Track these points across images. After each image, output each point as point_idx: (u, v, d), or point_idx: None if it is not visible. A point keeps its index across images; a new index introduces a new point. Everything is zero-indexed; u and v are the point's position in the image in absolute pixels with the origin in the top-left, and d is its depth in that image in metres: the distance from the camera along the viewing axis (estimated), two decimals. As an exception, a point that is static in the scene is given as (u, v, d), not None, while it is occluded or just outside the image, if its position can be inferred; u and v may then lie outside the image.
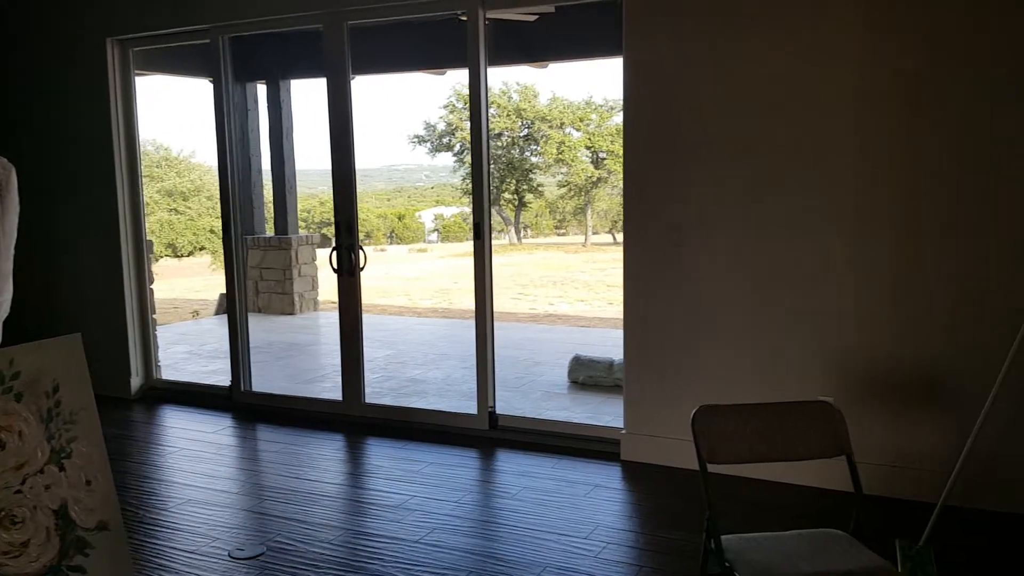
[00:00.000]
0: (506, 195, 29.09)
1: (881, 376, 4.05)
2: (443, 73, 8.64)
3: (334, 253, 5.39)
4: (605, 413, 5.60)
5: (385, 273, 18.74)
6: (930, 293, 3.92)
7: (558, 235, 32.34)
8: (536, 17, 6.81)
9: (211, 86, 5.80)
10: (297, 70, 9.88)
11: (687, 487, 4.22)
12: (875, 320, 4.03)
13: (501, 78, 27.92)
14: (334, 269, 5.41)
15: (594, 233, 29.38)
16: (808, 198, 4.10)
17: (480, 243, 4.94)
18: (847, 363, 4.11)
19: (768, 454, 2.73)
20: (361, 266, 5.39)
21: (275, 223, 10.39)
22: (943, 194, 3.85)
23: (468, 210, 29.75)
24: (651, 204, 4.45)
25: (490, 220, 5.02)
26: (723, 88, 4.22)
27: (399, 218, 33.90)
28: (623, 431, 4.68)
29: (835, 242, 4.07)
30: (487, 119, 4.89)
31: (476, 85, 4.83)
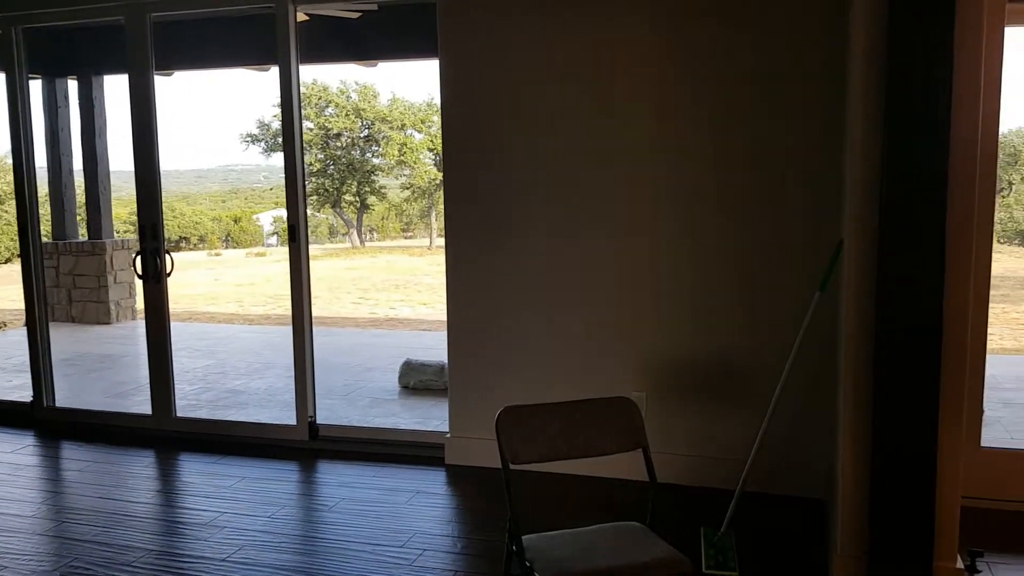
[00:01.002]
0: (347, 197, 28.60)
1: (687, 371, 4.19)
2: (267, 69, 8.35)
3: (138, 258, 5.10)
4: (434, 418, 5.55)
5: (215, 279, 18.02)
6: (727, 292, 4.10)
7: (405, 238, 32.16)
8: (360, 15, 6.69)
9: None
10: (110, 65, 9.33)
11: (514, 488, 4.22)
12: (680, 319, 4.18)
13: (339, 76, 27.49)
14: (138, 275, 5.12)
15: (439, 235, 29.35)
16: (618, 204, 4.21)
17: (295, 246, 4.79)
18: (657, 360, 4.24)
19: (570, 451, 2.76)
20: (168, 271, 5.12)
21: (88, 227, 9.78)
22: (737, 200, 4.04)
23: (309, 212, 29.04)
24: (470, 207, 4.45)
25: (306, 222, 4.89)
26: (536, 92, 4.26)
27: (235, 221, 32.70)
28: (448, 435, 4.64)
29: (643, 245, 4.20)
30: (300, 117, 4.76)
31: (287, 82, 4.68)
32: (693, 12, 3.99)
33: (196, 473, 4.62)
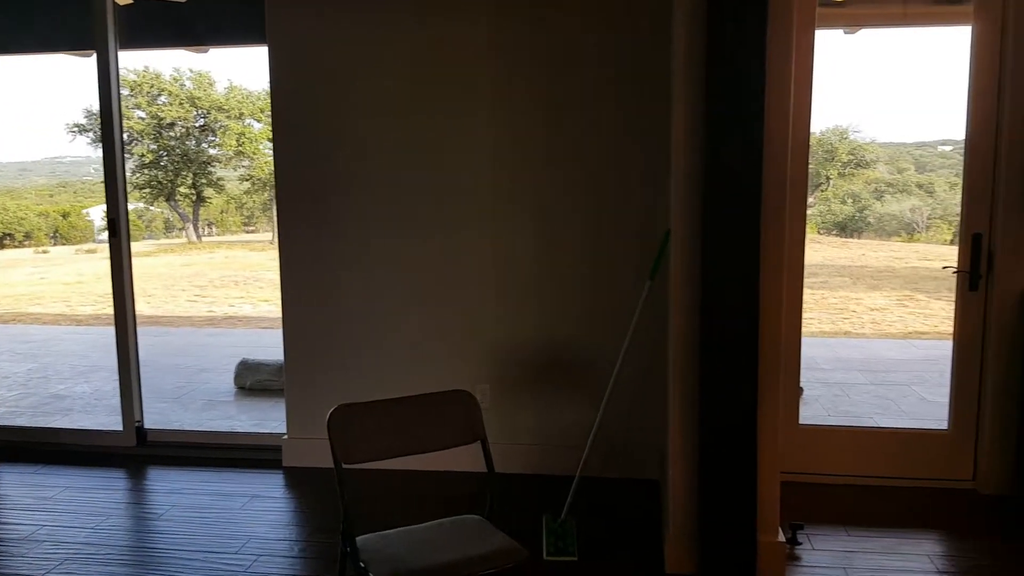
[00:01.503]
0: (183, 189, 27.26)
1: (529, 363, 4.24)
2: (90, 55, 7.83)
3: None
4: (273, 419, 5.39)
5: (41, 277, 16.82)
6: (567, 285, 4.17)
7: (247, 232, 31.01)
8: (186, -1, 6.37)
9: None
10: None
11: (348, 488, 4.14)
12: (521, 312, 4.22)
13: (173, 63, 26.17)
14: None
15: (285, 231, 28.35)
16: (455, 200, 4.20)
17: (116, 241, 4.54)
18: (500, 353, 4.26)
19: (406, 447, 2.73)
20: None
21: None
22: (572, 194, 4.11)
23: (143, 205, 27.58)
24: (304, 201, 4.33)
25: (127, 215, 4.63)
26: (369, 87, 4.18)
27: (64, 216, 30.60)
28: (285, 436, 4.51)
29: (481, 242, 4.21)
30: (119, 105, 4.50)
31: (105, 69, 4.43)
32: (529, 10, 4.02)
33: (13, 485, 4.29)
